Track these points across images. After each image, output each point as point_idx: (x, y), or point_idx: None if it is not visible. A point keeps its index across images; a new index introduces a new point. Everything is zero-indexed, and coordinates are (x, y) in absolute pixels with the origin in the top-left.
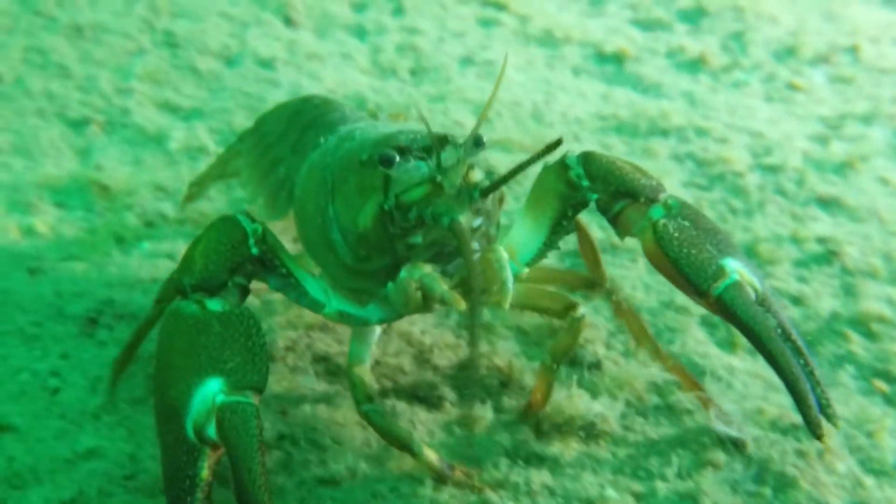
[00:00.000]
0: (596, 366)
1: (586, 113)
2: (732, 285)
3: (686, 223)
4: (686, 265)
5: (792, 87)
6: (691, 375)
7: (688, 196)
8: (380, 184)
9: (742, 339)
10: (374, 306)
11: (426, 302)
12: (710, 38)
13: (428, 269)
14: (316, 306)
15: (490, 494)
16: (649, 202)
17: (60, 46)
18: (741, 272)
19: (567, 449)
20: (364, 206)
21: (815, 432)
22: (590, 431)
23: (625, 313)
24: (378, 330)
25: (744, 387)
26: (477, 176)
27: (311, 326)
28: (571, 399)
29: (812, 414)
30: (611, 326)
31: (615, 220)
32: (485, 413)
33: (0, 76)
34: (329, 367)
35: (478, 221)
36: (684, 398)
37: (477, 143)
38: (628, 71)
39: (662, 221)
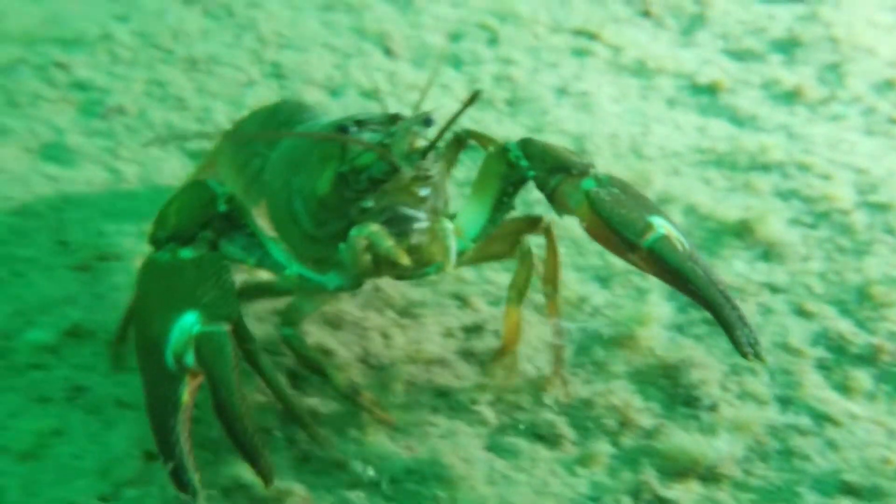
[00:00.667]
0: (713, 408)
1: (684, 146)
2: (661, 237)
3: (616, 190)
4: (618, 223)
5: (893, 121)
6: (562, 336)
7: (794, 234)
8: (337, 152)
9: (858, 383)
10: (333, 274)
11: (376, 264)
12: (805, 70)
13: (376, 227)
14: (277, 267)
15: None
16: (581, 175)
17: (177, 79)
18: (668, 228)
19: (688, 492)
20: (323, 173)
21: (744, 354)
22: (710, 474)
23: (551, 252)
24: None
25: (866, 434)
26: (423, 145)
27: (430, 361)
28: (690, 441)
29: (740, 338)
30: (725, 367)
31: (552, 196)
32: (603, 451)
33: (125, 108)
34: (451, 403)
35: (425, 191)
36: (805, 443)
37: (426, 121)
38: (723, 103)
39: (595, 189)
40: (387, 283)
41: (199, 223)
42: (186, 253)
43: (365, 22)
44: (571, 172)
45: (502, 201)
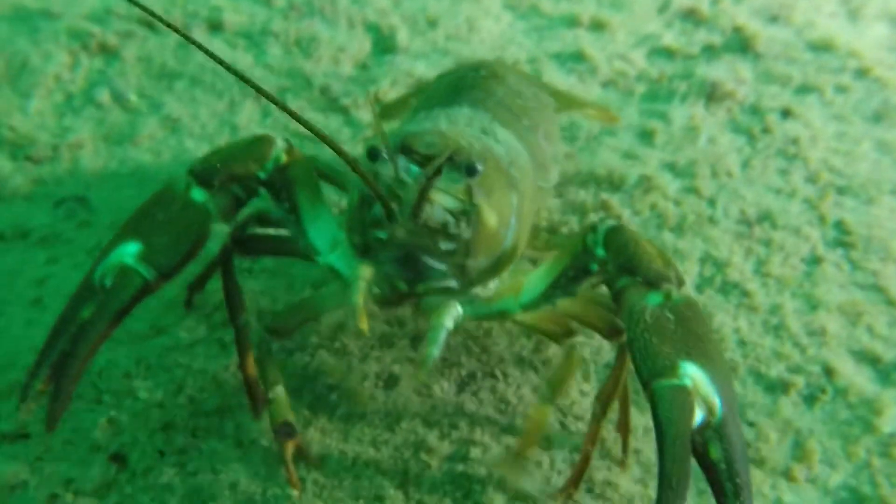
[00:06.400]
0: None
1: None
2: (676, 388)
3: (671, 316)
4: (637, 349)
5: None
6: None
7: None
8: (373, 168)
9: None
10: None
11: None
12: None
13: (368, 273)
14: (309, 251)
15: None
16: (651, 286)
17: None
18: (698, 384)
19: None
20: (360, 183)
21: None
22: None
23: (618, 370)
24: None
25: None
26: (441, 199)
27: None
28: None
29: None
30: None
31: (616, 299)
32: None
33: None
34: None
35: (447, 246)
36: None
37: (468, 169)
38: None
39: (649, 306)
40: None
41: (232, 175)
42: (196, 194)
43: None
44: (638, 279)
45: (560, 282)
